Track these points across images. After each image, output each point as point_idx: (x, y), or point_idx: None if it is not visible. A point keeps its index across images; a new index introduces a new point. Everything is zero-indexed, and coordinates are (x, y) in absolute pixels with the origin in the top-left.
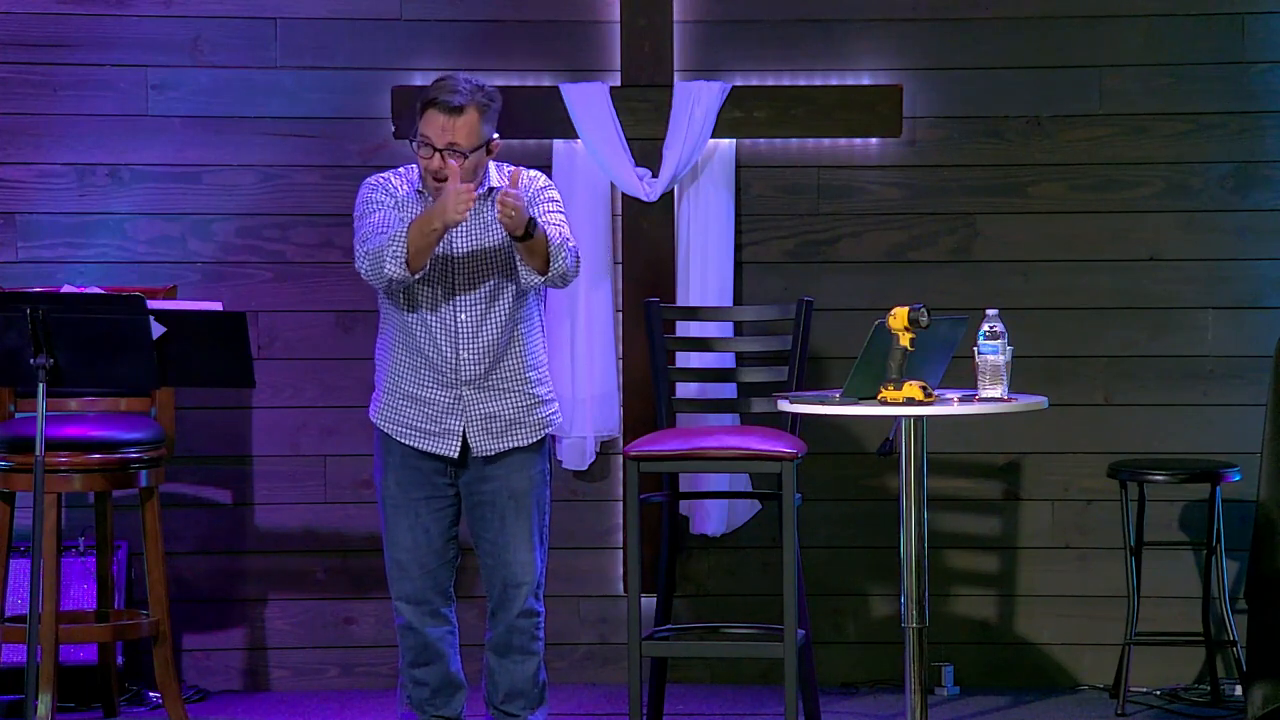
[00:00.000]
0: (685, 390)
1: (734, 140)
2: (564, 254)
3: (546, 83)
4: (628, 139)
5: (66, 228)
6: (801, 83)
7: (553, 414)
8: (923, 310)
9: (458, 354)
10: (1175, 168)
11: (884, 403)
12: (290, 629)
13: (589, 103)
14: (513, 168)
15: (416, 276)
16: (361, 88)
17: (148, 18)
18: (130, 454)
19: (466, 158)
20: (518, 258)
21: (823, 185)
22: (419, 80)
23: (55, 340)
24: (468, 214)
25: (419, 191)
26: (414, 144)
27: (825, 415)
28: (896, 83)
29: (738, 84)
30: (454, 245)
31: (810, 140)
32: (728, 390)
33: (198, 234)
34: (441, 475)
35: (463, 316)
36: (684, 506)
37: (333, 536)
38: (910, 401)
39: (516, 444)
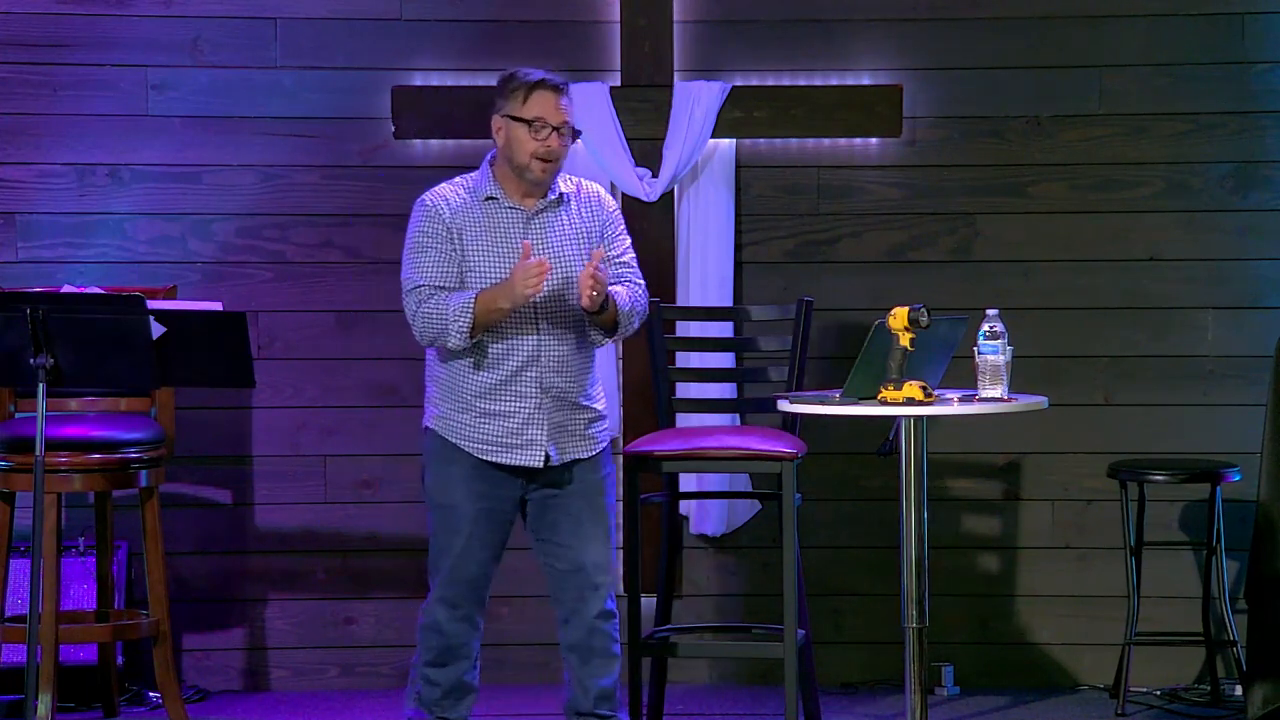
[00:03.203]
0: (685, 390)
1: (734, 140)
2: (632, 321)
3: None
4: (628, 139)
5: (66, 228)
6: (801, 83)
7: (606, 427)
8: (923, 310)
9: (537, 364)
10: (1175, 168)
11: (884, 403)
12: (290, 629)
13: (589, 103)
14: (579, 180)
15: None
16: (361, 88)
17: (148, 18)
18: (130, 454)
19: (577, 138)
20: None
21: (823, 185)
22: (419, 80)
23: (55, 340)
24: (537, 293)
25: (489, 199)
26: (510, 126)
27: (825, 415)
28: (896, 83)
29: (738, 84)
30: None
31: (810, 140)
32: (728, 390)
33: (198, 234)
34: (511, 487)
35: (541, 326)
36: (684, 506)
37: (333, 536)
38: (910, 401)
39: (579, 455)
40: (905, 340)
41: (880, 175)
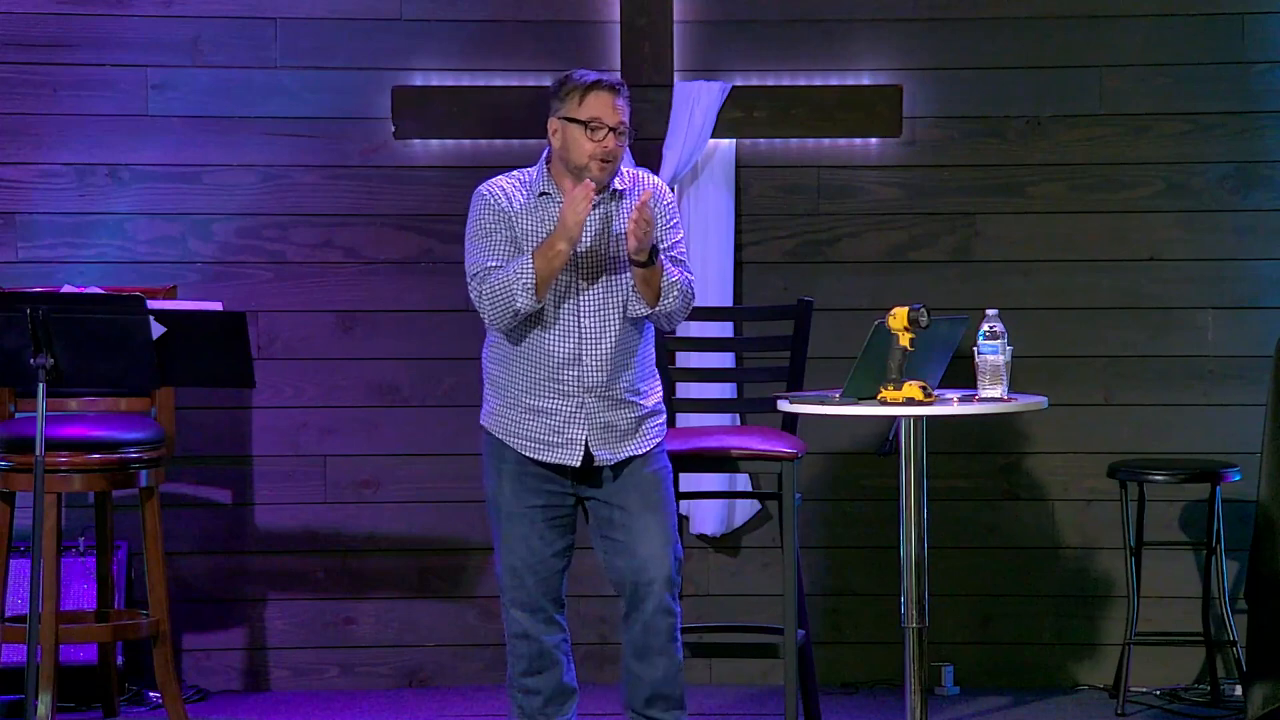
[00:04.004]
0: (685, 390)
1: (734, 140)
2: (674, 293)
3: (546, 83)
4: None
5: (66, 228)
6: (801, 83)
7: (661, 423)
8: (923, 310)
9: (580, 359)
10: (1175, 168)
11: (884, 403)
12: (290, 629)
13: None
14: (636, 170)
15: (541, 303)
16: (361, 88)
17: (148, 18)
18: (130, 454)
19: (634, 138)
20: (631, 283)
21: (823, 185)
22: (419, 80)
23: (55, 340)
24: (587, 214)
25: (542, 194)
26: (566, 128)
27: (825, 415)
28: (896, 83)
29: (738, 84)
30: (578, 250)
31: (810, 140)
32: (728, 390)
33: (198, 234)
34: (559, 484)
35: (586, 323)
36: (684, 506)
37: (333, 536)
38: (910, 401)
39: (633, 453)
40: (905, 340)
41: (880, 175)
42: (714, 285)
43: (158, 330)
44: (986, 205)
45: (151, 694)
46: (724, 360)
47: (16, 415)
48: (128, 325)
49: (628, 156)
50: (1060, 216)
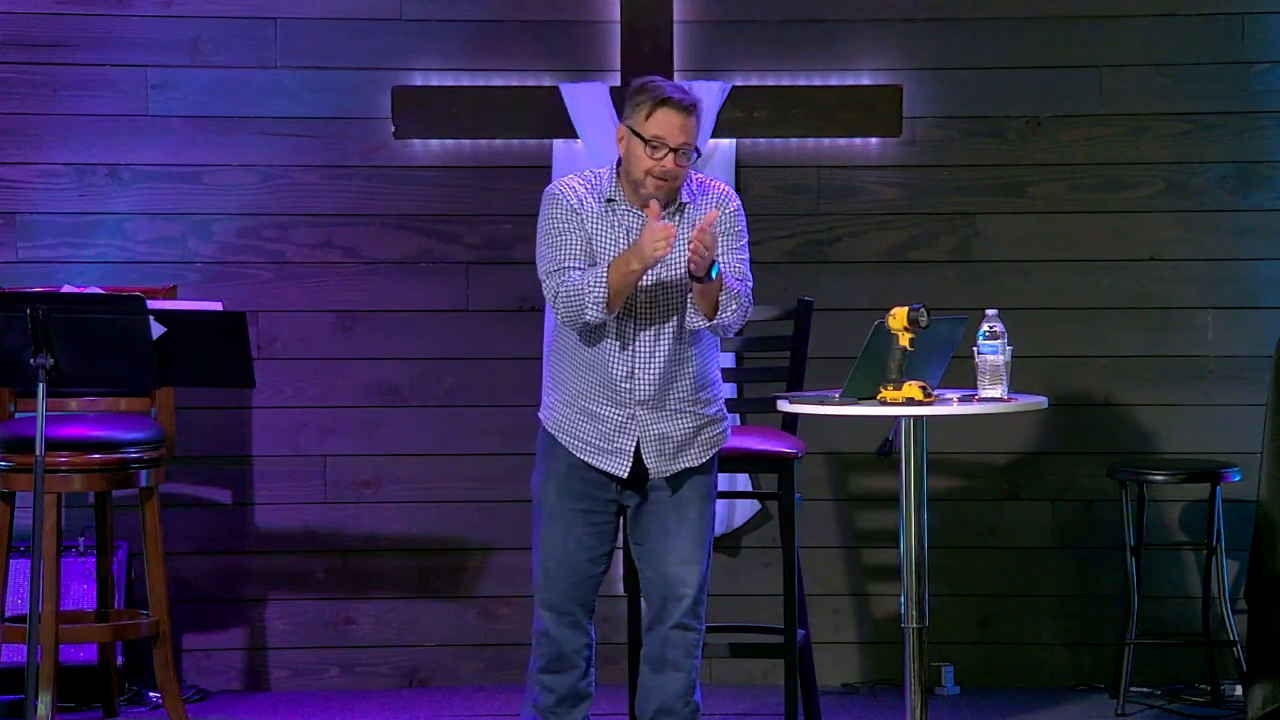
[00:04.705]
0: None
1: (734, 140)
2: (732, 306)
3: (546, 83)
4: None
5: (66, 228)
6: (801, 83)
7: (720, 432)
8: (922, 310)
9: (633, 374)
10: (1175, 168)
11: (884, 403)
12: (290, 629)
13: (589, 103)
14: (705, 178)
15: (614, 315)
16: (361, 88)
17: (148, 18)
18: (130, 454)
19: (699, 157)
20: (690, 295)
21: (823, 185)
22: (419, 80)
23: (55, 340)
24: (667, 252)
25: (609, 200)
26: (630, 139)
27: (825, 415)
28: (896, 83)
29: (738, 84)
30: None
31: (810, 140)
32: (728, 390)
33: (198, 234)
34: (607, 490)
35: (642, 336)
36: None
37: (333, 536)
38: (910, 401)
39: (689, 464)
40: (905, 340)
41: (880, 175)
42: None
43: (158, 330)
44: (986, 205)
45: (151, 694)
46: (724, 360)
47: (16, 415)
48: (128, 325)
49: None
50: (1060, 216)
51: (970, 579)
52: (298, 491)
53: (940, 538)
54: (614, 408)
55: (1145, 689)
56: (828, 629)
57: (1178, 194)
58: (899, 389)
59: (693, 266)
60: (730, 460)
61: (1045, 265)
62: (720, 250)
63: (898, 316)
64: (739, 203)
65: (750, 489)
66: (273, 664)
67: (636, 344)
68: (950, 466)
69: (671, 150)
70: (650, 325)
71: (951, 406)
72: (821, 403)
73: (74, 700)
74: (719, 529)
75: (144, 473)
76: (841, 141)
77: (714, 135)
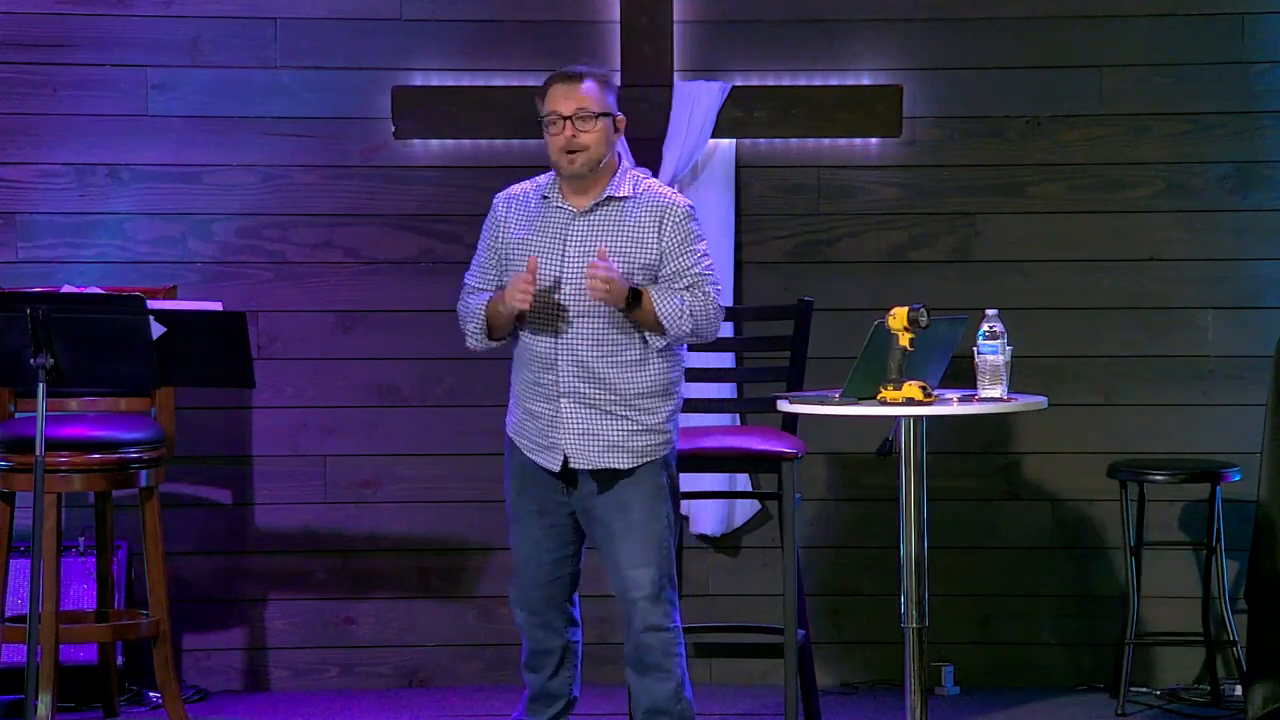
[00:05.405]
0: (685, 390)
1: (734, 140)
2: (683, 321)
3: None
4: (628, 139)
5: (66, 228)
6: (801, 83)
7: (659, 444)
8: (922, 310)
9: (555, 366)
10: (1175, 168)
11: (884, 403)
12: (290, 629)
13: None
14: (652, 182)
15: (505, 341)
16: (361, 88)
17: (148, 18)
18: (130, 454)
19: (597, 120)
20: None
21: (823, 185)
22: (419, 80)
23: (55, 340)
24: (524, 305)
25: (544, 198)
26: (543, 127)
27: (825, 415)
28: (896, 83)
29: (738, 84)
30: (566, 256)
31: (810, 140)
32: (728, 390)
33: (198, 234)
34: (556, 492)
35: (565, 329)
36: (684, 506)
37: (333, 536)
38: (910, 401)
39: (614, 465)
40: (905, 340)
41: (880, 175)
42: None
43: (158, 330)
44: (986, 205)
45: (151, 694)
46: (724, 360)
47: (16, 415)
48: (128, 325)
49: (669, 164)
50: (1060, 216)
51: (970, 579)
52: (298, 491)
53: (940, 538)
54: (544, 403)
55: (1145, 689)
56: (828, 629)
57: (1178, 194)
58: (899, 389)
59: (595, 297)
60: (730, 460)
61: (1045, 265)
62: (670, 262)
63: (898, 316)
64: (687, 208)
65: (750, 489)
66: (273, 664)
67: (562, 341)
68: (950, 466)
69: (565, 119)
70: (577, 317)
71: (951, 406)
72: (821, 403)
73: (74, 700)
74: (719, 529)
75: (144, 473)
76: (841, 141)
77: (714, 135)
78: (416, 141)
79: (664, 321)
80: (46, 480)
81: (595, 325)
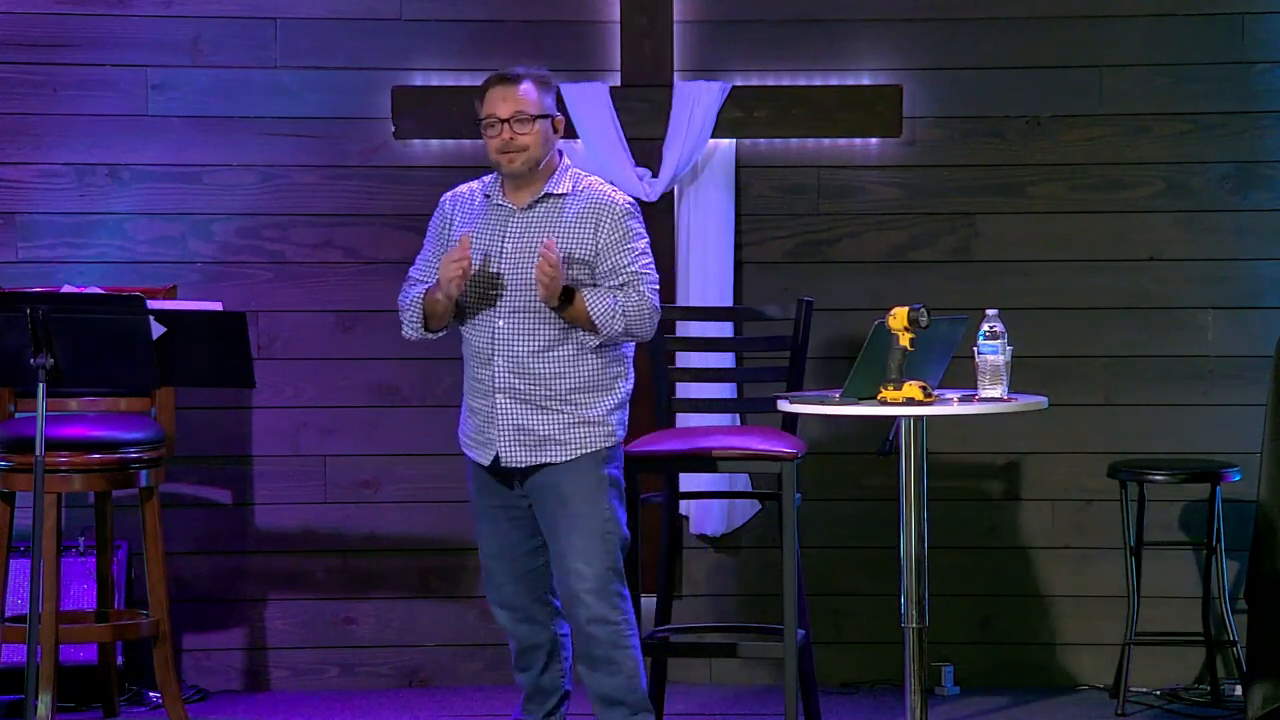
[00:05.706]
0: (685, 390)
1: (734, 140)
2: (615, 320)
3: None
4: (628, 139)
5: (66, 228)
6: (801, 83)
7: (600, 435)
8: (923, 310)
9: (491, 361)
10: (1175, 168)
11: (884, 403)
12: (290, 629)
13: (589, 103)
14: (591, 179)
15: (441, 334)
16: (361, 88)
17: (148, 18)
18: (130, 454)
19: (534, 122)
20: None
21: (823, 185)
22: (419, 80)
23: (55, 340)
24: (458, 281)
25: (487, 196)
26: (481, 129)
27: (825, 415)
28: (896, 83)
29: (738, 84)
30: (504, 252)
31: (810, 140)
32: (728, 390)
33: (198, 234)
34: (503, 485)
35: (500, 324)
36: (684, 506)
37: (333, 536)
38: (910, 401)
39: (549, 459)
40: (905, 340)
41: (880, 175)
42: (714, 285)
43: (158, 330)
44: (986, 205)
45: (151, 694)
46: (724, 360)
47: (16, 415)
48: (128, 325)
49: (617, 163)
50: (1060, 216)
51: (970, 579)
52: (298, 491)
53: (940, 538)
54: (482, 399)
55: (1145, 689)
56: (828, 629)
57: (1178, 194)
58: (899, 389)
59: (542, 295)
60: (730, 460)
61: (1045, 265)
62: (606, 259)
63: (898, 316)
64: (626, 206)
65: (750, 489)
66: (273, 664)
67: (498, 335)
68: (950, 466)
69: (503, 121)
70: (514, 312)
71: (951, 406)
72: (821, 403)
73: (74, 700)
74: (719, 529)
75: (144, 473)
76: (841, 141)
77: (714, 135)
78: (416, 141)
79: (596, 320)
80: (46, 480)
81: (530, 321)
